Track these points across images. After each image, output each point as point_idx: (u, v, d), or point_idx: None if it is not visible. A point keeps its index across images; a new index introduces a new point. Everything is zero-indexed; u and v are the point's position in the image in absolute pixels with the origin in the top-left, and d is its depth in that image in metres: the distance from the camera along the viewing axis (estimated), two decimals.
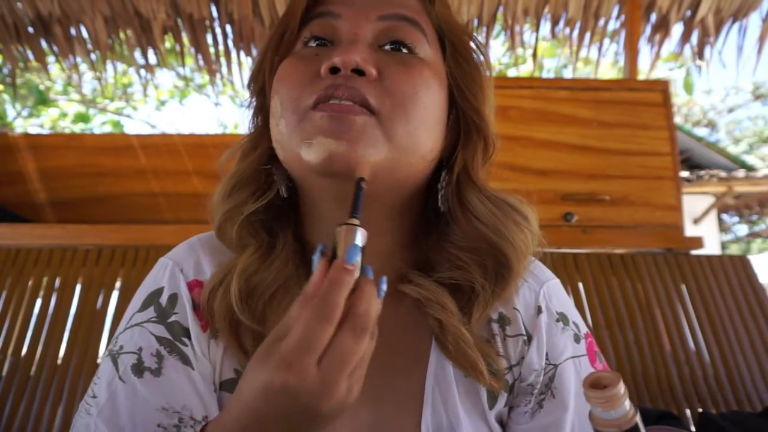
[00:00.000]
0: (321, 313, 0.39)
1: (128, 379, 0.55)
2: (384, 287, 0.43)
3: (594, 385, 0.37)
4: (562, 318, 0.63)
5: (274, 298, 0.57)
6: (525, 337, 0.61)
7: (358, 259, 0.41)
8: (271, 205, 0.61)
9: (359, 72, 0.53)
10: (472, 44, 0.63)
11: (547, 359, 0.60)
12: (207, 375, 0.58)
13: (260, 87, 0.63)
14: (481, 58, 0.63)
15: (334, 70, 0.53)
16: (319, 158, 0.51)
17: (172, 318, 0.58)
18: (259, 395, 0.40)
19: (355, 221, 0.44)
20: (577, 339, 0.63)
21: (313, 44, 0.58)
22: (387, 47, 0.56)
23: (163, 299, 0.59)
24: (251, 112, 0.65)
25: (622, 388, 0.37)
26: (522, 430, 0.60)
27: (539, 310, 0.62)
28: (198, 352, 0.57)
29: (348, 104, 0.51)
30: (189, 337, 0.57)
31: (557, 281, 0.67)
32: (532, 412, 0.60)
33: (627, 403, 0.37)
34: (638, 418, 0.37)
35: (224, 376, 0.58)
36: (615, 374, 0.37)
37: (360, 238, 0.43)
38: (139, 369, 0.55)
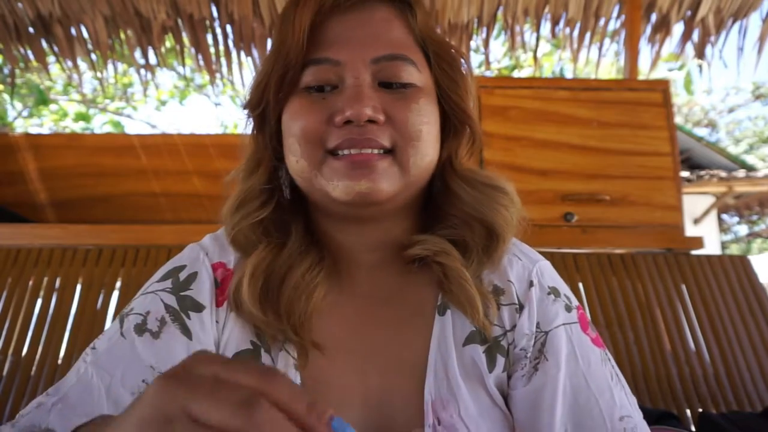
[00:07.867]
0: None
1: (129, 336, 0.60)
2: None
3: None
4: (554, 291, 0.68)
5: (285, 278, 0.63)
6: (517, 306, 0.66)
7: None
8: (278, 207, 0.66)
9: (371, 120, 0.59)
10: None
11: (537, 327, 0.65)
12: (208, 347, 0.61)
13: (260, 113, 0.67)
14: (462, 60, 0.69)
15: (348, 122, 0.59)
16: (348, 197, 0.59)
17: (186, 292, 0.63)
18: None
19: None
20: (568, 309, 0.67)
21: (314, 91, 0.62)
22: (385, 84, 0.62)
23: (183, 275, 0.65)
24: (250, 131, 0.69)
25: None
26: (520, 394, 0.63)
27: (531, 284, 0.67)
28: (207, 325, 0.62)
29: (368, 152, 0.59)
30: (198, 312, 0.62)
31: (549, 263, 0.72)
32: (528, 376, 0.63)
33: None
34: None
35: (240, 347, 0.62)
36: None
37: None
38: (141, 329, 0.60)
